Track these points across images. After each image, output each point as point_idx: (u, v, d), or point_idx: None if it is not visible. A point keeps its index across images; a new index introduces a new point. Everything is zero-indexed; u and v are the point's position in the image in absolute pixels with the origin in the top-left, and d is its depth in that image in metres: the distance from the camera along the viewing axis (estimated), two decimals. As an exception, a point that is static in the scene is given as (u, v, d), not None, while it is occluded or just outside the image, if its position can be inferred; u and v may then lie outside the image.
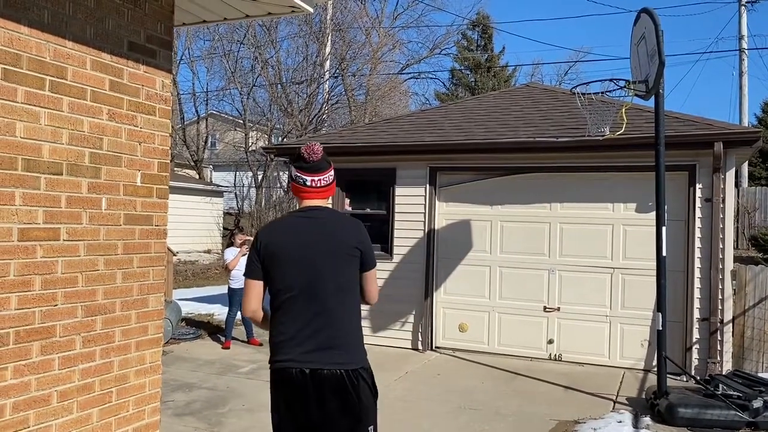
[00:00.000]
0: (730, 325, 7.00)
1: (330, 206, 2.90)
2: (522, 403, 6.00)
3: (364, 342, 2.78)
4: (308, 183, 2.76)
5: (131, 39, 3.35)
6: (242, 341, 8.34)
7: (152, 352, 3.53)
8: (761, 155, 22.15)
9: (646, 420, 5.46)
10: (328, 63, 23.00)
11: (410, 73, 28.35)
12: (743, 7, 20.86)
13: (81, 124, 3.09)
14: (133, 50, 3.36)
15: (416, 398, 6.10)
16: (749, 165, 20.69)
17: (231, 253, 8.08)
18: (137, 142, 3.41)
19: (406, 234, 8.30)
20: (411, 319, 8.19)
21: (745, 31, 20.85)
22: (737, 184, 12.39)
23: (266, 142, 22.78)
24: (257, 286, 2.72)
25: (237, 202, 23.99)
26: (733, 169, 7.10)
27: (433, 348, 8.15)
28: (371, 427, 2.67)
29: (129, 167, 3.36)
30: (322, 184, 2.79)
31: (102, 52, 3.18)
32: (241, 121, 24.57)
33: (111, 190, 3.27)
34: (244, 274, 2.76)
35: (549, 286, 7.74)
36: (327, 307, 2.64)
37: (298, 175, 2.77)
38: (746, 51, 20.93)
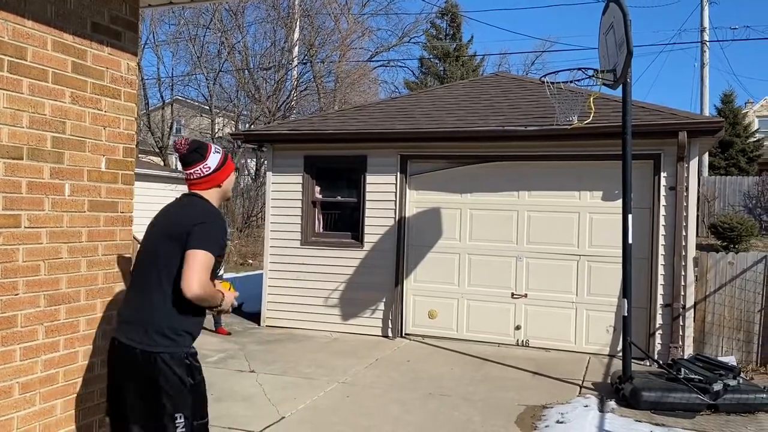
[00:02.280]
0: (692, 310, 7.19)
1: (205, 197, 2.91)
2: (491, 388, 6.07)
3: (196, 327, 2.80)
4: (184, 175, 2.98)
5: (95, 20, 3.24)
6: (210, 330, 8.24)
7: (118, 341, 3.45)
8: (720, 145, 22.74)
9: (612, 404, 5.57)
10: (296, 49, 22.73)
11: (379, 60, 28.27)
12: (705, 0, 21.26)
13: (42, 107, 2.98)
14: (97, 31, 3.25)
15: (386, 385, 6.12)
16: (709, 155, 21.22)
17: None
18: (102, 126, 3.31)
19: (376, 222, 8.29)
20: (381, 306, 8.20)
21: (707, 24, 21.28)
22: (699, 173, 12.64)
23: (233, 129, 22.46)
24: None
25: (203, 189, 23.59)
26: (697, 158, 7.26)
27: (403, 335, 8.18)
28: (179, 415, 2.67)
29: (93, 152, 3.26)
30: (195, 176, 2.92)
31: (64, 32, 3.07)
32: (208, 107, 24.16)
33: (74, 175, 3.16)
34: None
35: (517, 273, 7.82)
36: (146, 283, 2.79)
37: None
38: (707, 43, 21.38)
